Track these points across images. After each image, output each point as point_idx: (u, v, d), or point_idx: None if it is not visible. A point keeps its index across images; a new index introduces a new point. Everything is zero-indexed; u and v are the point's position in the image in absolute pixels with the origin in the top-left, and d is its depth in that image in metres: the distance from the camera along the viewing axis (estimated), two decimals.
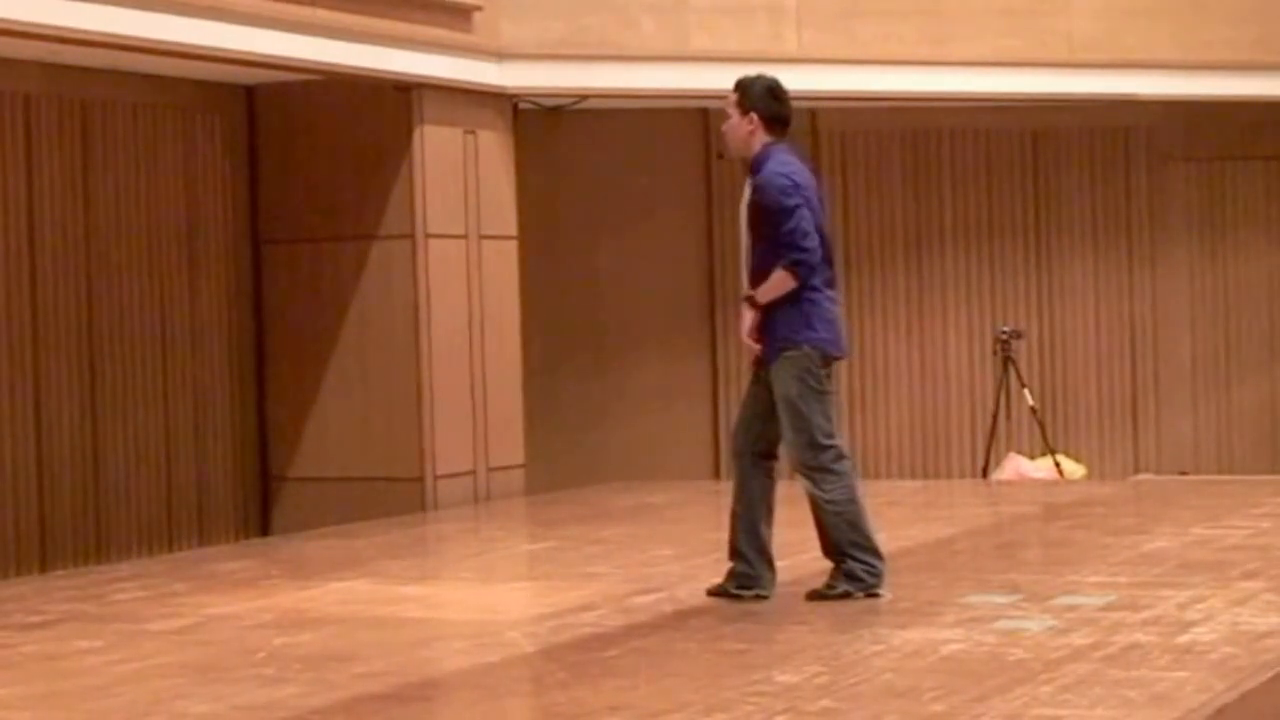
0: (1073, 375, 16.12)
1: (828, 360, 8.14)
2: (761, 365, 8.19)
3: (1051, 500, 12.53)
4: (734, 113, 8.25)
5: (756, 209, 8.11)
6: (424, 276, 12.67)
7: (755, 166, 8.19)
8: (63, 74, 11.48)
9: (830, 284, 8.17)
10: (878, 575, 8.18)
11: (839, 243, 15.69)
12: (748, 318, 8.11)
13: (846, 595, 8.13)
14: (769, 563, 8.28)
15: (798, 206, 8.00)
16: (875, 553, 8.20)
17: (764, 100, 8.23)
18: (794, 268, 7.98)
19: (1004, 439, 15.33)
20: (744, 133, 8.23)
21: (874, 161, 15.83)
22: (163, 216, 12.32)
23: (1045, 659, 6.81)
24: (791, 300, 8.03)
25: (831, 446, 8.11)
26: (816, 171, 8.77)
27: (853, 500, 8.16)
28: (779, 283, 8.01)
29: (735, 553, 8.27)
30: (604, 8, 13.76)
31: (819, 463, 8.11)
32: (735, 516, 8.25)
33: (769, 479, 8.28)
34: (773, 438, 8.23)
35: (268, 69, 11.90)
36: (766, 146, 8.20)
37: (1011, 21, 14.99)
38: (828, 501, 8.14)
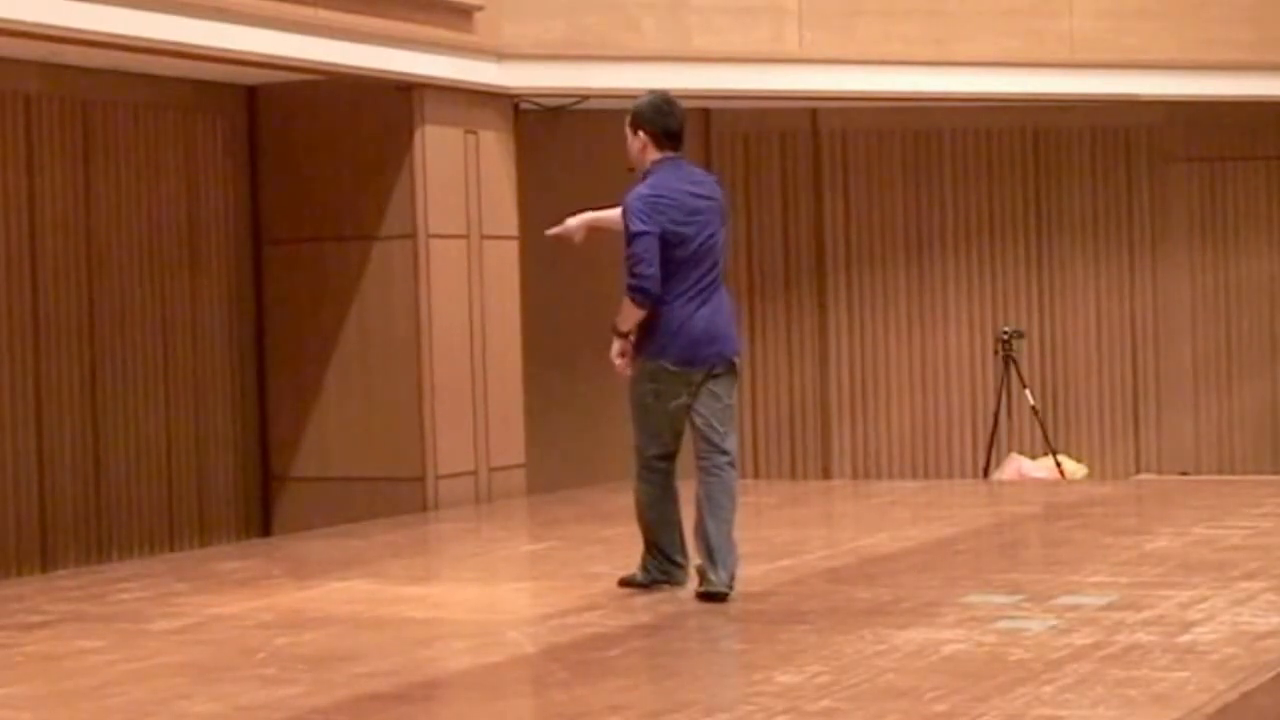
0: (1074, 375, 16.13)
1: (675, 372, 8.40)
2: None
3: (1052, 500, 12.54)
4: (628, 133, 8.56)
5: None
6: (425, 276, 12.68)
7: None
8: (64, 74, 11.48)
9: (691, 295, 8.39)
10: (666, 573, 8.59)
11: (839, 242, 15.81)
12: (614, 344, 8.51)
13: (651, 584, 8.59)
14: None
15: (642, 234, 8.32)
16: (666, 556, 8.60)
17: (650, 116, 8.53)
18: (630, 294, 8.38)
19: (1005, 439, 15.34)
20: (637, 150, 8.57)
21: (875, 161, 15.83)
22: (164, 216, 12.32)
23: (1046, 659, 6.81)
24: (648, 314, 8.38)
25: (642, 456, 8.54)
26: (720, 181, 9.03)
27: (651, 506, 8.55)
28: (626, 310, 8.43)
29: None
30: (605, 8, 13.76)
31: (636, 465, 8.58)
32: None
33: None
34: (708, 435, 8.47)
35: (269, 69, 11.91)
36: (655, 163, 8.52)
37: (1013, 21, 14.99)
38: (635, 496, 8.62)
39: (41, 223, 11.48)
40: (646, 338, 8.41)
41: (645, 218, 8.33)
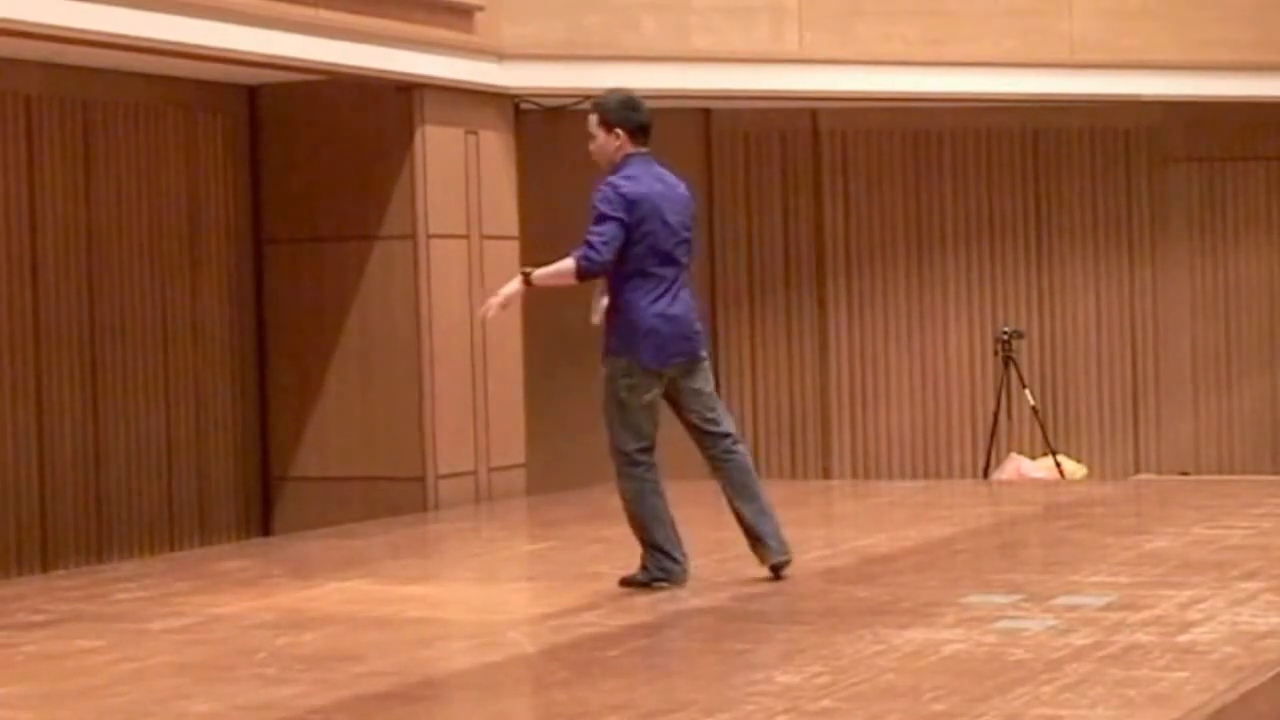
0: (1073, 375, 16.13)
1: (647, 369, 8.54)
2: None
3: (1052, 500, 12.53)
4: (599, 132, 8.69)
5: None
6: (425, 276, 12.68)
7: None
8: (64, 74, 11.49)
9: (660, 294, 8.55)
10: (665, 570, 8.65)
11: (839, 242, 15.80)
12: (512, 284, 8.84)
13: (651, 582, 8.67)
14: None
15: (613, 218, 8.47)
16: (664, 552, 8.68)
17: (624, 113, 8.70)
18: (579, 260, 8.48)
19: (1005, 439, 15.34)
20: (612, 148, 8.69)
21: (874, 161, 15.83)
22: (164, 216, 12.33)
23: (1046, 659, 6.81)
24: (619, 311, 8.53)
25: (624, 453, 8.65)
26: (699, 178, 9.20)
27: (639, 502, 8.67)
28: (560, 268, 8.59)
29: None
30: (605, 8, 13.77)
31: (616, 464, 8.71)
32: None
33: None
34: (704, 427, 8.78)
35: (270, 69, 11.91)
36: (627, 157, 8.67)
37: (1012, 22, 15.00)
38: (621, 497, 8.76)
39: (41, 223, 11.48)
40: (617, 338, 8.57)
41: (618, 205, 8.47)
